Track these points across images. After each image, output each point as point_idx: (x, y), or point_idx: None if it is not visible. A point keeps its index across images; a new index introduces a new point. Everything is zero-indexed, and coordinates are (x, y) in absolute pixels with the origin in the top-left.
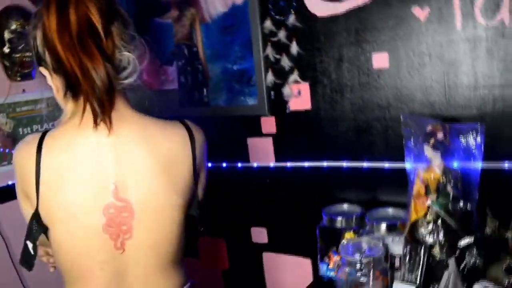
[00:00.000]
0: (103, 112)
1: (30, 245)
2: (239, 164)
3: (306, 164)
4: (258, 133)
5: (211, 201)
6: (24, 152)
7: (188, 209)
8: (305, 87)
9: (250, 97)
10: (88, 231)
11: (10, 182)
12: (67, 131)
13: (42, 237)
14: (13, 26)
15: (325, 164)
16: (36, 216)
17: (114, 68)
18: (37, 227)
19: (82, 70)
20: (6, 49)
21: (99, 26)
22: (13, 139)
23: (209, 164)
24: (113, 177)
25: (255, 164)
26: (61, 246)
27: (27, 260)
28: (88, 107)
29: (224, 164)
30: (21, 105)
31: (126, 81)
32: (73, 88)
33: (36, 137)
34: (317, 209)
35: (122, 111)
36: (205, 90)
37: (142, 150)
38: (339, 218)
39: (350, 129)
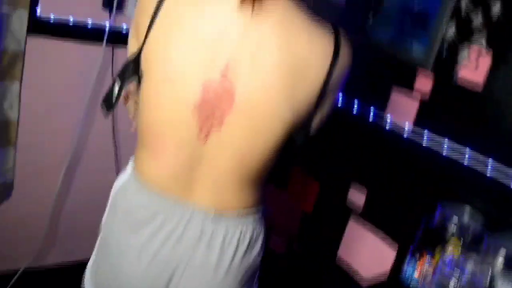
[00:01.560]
0: None
1: (118, 83)
2: (371, 112)
3: (446, 143)
4: (409, 85)
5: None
6: None
7: (295, 130)
8: (487, 57)
9: (419, 43)
10: (178, 99)
11: None
12: None
13: (134, 86)
14: None
15: (467, 154)
16: (137, 57)
17: None
18: (133, 69)
19: None
20: None
21: None
22: None
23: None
24: (230, 54)
25: (388, 117)
26: (146, 103)
27: (109, 99)
28: None
29: (356, 104)
30: None
31: None
32: None
33: None
34: (434, 199)
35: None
36: (371, 15)
37: (276, 40)
38: (454, 220)
39: None
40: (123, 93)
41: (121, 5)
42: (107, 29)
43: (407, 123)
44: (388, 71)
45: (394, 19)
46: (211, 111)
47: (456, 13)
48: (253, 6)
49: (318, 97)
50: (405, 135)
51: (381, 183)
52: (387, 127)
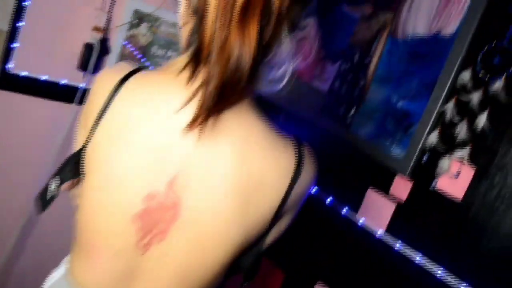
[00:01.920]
0: (213, 109)
1: (56, 181)
2: (344, 210)
3: (419, 258)
4: (384, 189)
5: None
6: (106, 81)
7: (243, 252)
8: (469, 172)
9: (398, 146)
10: (117, 208)
11: None
12: (160, 84)
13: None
14: None
15: (439, 271)
16: (79, 155)
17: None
18: (73, 169)
19: (224, 37)
20: None
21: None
22: (143, 53)
23: (313, 189)
24: (180, 165)
25: (361, 221)
26: (83, 206)
27: (43, 197)
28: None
29: (329, 200)
30: (168, 25)
31: (266, 88)
32: (197, 54)
33: (126, 69)
34: None
35: (238, 111)
36: (353, 110)
37: (229, 157)
38: None
39: None
40: (65, 185)
41: (97, 68)
42: (80, 89)
43: (380, 230)
44: (364, 170)
45: (376, 115)
46: (153, 223)
47: (441, 121)
48: (201, 129)
49: (273, 218)
50: (376, 236)
51: (347, 284)
52: (359, 225)
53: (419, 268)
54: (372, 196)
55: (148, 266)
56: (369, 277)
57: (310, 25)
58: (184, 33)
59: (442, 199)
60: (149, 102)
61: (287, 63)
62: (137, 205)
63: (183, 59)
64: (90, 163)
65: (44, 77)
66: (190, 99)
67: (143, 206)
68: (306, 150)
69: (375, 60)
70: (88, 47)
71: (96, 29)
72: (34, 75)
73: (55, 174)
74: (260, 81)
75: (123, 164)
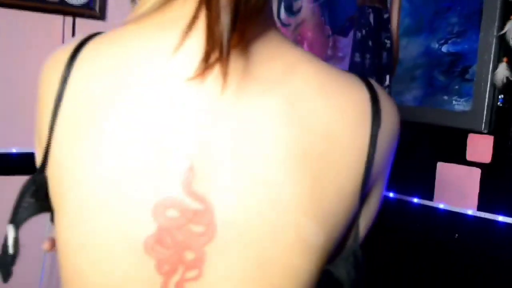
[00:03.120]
0: (231, 33)
1: (11, 233)
2: (415, 200)
3: None
4: (459, 158)
5: None
6: (51, 63)
7: (331, 256)
8: None
9: (460, 99)
10: (114, 242)
11: None
12: (133, 33)
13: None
14: None
15: None
16: (36, 181)
17: None
18: (33, 203)
19: None
20: None
21: None
22: None
23: None
24: (191, 147)
25: (441, 206)
26: (66, 258)
27: (2, 261)
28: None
29: (391, 195)
30: None
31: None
32: None
33: (76, 40)
34: None
35: (269, 41)
36: (387, 78)
37: (272, 112)
38: None
39: None
40: (50, 236)
41: None
42: None
43: (470, 209)
44: (426, 146)
45: (418, 73)
46: (178, 252)
47: (505, 45)
48: (222, 74)
49: (360, 192)
50: (468, 217)
51: None
52: (440, 210)
53: None
54: (446, 171)
55: None
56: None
57: (304, 6)
58: None
59: None
60: (124, 63)
61: None
62: (149, 225)
63: None
64: (58, 181)
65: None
66: (190, 26)
67: (154, 230)
68: (378, 89)
69: (395, 12)
70: None
71: None
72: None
73: (10, 222)
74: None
75: (104, 170)
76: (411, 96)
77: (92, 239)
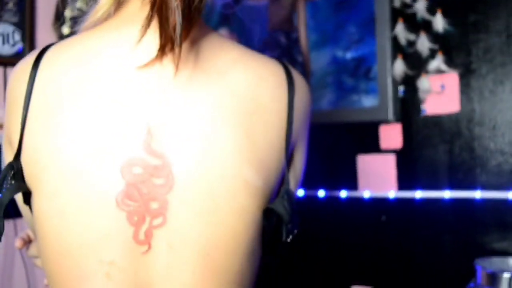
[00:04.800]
0: (183, 25)
1: None
2: (343, 194)
3: (447, 194)
4: (374, 148)
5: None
6: (20, 68)
7: (270, 199)
8: (452, 78)
9: (367, 96)
10: (90, 203)
11: None
12: (93, 35)
13: (26, 211)
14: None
15: (478, 195)
16: (13, 166)
17: None
18: (13, 184)
19: None
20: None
21: None
22: None
23: (301, 192)
24: (149, 116)
25: (366, 194)
26: (47, 227)
27: None
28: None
29: (322, 193)
30: None
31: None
32: None
33: (38, 49)
34: (466, 263)
35: (204, 31)
36: None
37: (208, 85)
38: (505, 276)
39: None
40: (21, 236)
41: None
42: None
43: (391, 191)
44: (345, 140)
45: (329, 80)
46: (144, 203)
47: (397, 45)
48: (176, 59)
49: (285, 145)
50: (391, 200)
51: (388, 270)
52: (366, 199)
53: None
54: (364, 161)
55: (159, 263)
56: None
57: (223, 34)
58: None
59: (439, 122)
60: (86, 57)
61: None
62: (117, 183)
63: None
64: (32, 165)
65: None
66: (148, 23)
67: (125, 182)
68: (291, 67)
69: (302, 30)
70: None
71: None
72: None
73: None
74: None
75: (77, 139)
76: (325, 100)
77: (70, 206)
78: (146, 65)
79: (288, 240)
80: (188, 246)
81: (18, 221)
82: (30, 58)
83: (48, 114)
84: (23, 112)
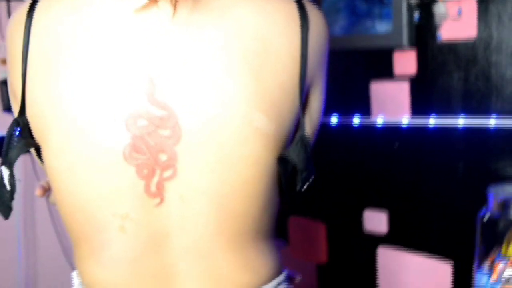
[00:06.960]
0: None
1: (5, 172)
2: (356, 120)
3: (461, 121)
4: (388, 74)
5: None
6: (14, 20)
7: (284, 146)
8: (470, 3)
9: (381, 22)
10: (97, 159)
11: None
12: None
13: (40, 162)
14: None
15: (492, 122)
16: (19, 122)
17: None
18: (20, 140)
19: None
20: None
21: None
22: None
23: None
24: (151, 67)
25: (379, 120)
26: (58, 182)
27: (2, 198)
28: None
29: (334, 119)
30: None
31: None
32: None
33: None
34: (478, 190)
35: None
36: None
37: (211, 25)
38: None
39: None
40: (41, 184)
41: None
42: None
43: (404, 117)
44: (358, 66)
45: (341, 4)
46: (153, 155)
47: None
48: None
49: (299, 87)
50: (403, 127)
51: (401, 196)
52: (379, 127)
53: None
54: (378, 88)
55: (173, 216)
56: (420, 179)
57: None
58: None
59: (455, 49)
60: (80, 4)
61: None
62: (123, 136)
63: None
64: (38, 117)
65: None
66: None
67: (131, 135)
68: (305, 1)
69: None
70: (5, 84)
71: (4, 61)
72: None
73: (2, 163)
74: None
75: (78, 90)
76: (338, 27)
77: (77, 164)
78: (143, 7)
79: (303, 188)
80: (200, 197)
81: None
82: (23, 9)
83: (47, 67)
84: (22, 65)
